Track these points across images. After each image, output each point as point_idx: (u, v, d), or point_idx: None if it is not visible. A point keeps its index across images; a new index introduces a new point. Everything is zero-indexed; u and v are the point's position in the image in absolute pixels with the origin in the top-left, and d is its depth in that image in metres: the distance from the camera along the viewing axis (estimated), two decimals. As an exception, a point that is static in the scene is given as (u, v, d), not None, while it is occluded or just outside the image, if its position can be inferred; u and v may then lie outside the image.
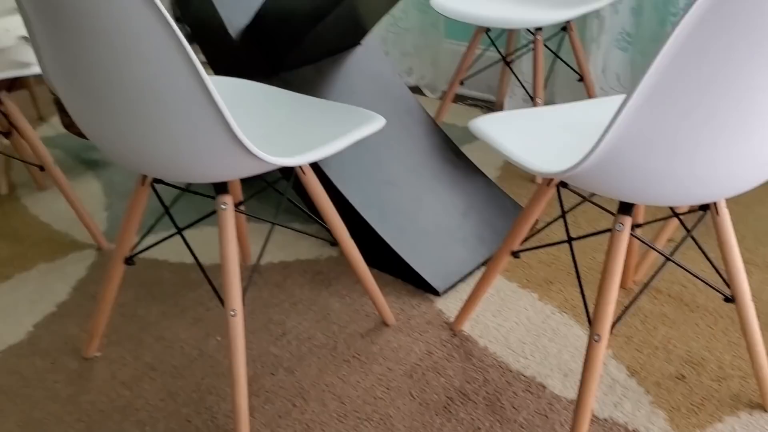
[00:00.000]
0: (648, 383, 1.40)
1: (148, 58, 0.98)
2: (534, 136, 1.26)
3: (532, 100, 2.12)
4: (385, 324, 1.57)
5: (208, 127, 1.05)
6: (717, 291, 1.26)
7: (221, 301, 1.24)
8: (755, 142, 0.99)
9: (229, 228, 1.22)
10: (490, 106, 2.72)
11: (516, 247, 1.39)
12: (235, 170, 1.15)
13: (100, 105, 1.09)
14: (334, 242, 1.43)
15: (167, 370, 1.46)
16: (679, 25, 0.86)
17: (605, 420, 1.32)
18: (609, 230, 1.19)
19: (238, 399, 1.24)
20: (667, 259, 1.25)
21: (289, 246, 1.84)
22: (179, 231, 1.34)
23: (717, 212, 1.22)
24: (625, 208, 1.15)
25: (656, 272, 1.24)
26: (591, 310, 1.61)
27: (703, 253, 1.28)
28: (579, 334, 1.54)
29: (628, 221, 1.15)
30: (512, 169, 2.25)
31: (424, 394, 1.38)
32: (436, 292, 1.66)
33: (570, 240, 1.27)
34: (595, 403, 1.36)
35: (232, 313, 1.23)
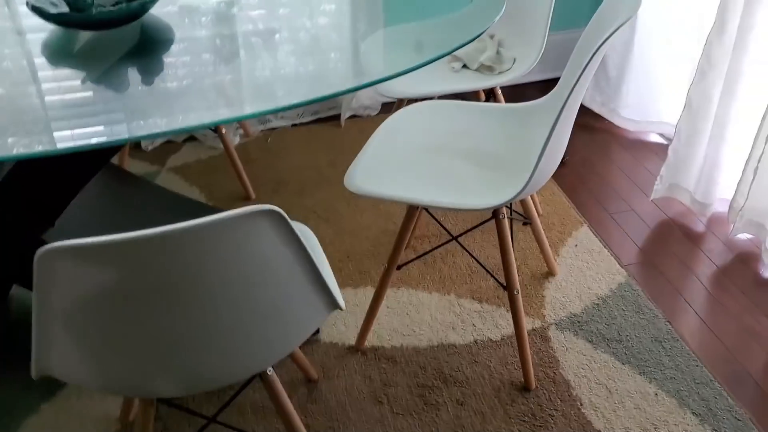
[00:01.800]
0: (489, 296, 1.97)
1: (279, 279, 1.02)
2: (416, 176, 1.59)
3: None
4: (313, 381, 1.76)
5: (310, 298, 1.12)
6: (521, 222, 1.86)
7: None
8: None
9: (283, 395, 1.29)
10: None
11: (399, 262, 1.74)
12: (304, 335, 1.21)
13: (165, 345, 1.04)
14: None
15: None
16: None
17: (499, 339, 1.85)
18: (487, 221, 1.65)
19: None
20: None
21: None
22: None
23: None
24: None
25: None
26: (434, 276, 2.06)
27: (513, 209, 1.85)
28: (423, 296, 1.99)
29: (506, 211, 1.63)
30: (214, 190, 2.41)
31: (403, 408, 1.69)
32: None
33: (456, 237, 1.68)
34: (469, 336, 1.87)
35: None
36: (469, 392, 1.72)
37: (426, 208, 1.71)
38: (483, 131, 1.79)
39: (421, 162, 1.68)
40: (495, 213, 1.62)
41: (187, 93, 1.39)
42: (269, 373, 1.27)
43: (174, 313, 0.97)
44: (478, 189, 1.60)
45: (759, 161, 1.95)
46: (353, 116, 2.87)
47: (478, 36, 1.52)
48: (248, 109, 1.38)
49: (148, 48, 1.51)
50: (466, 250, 1.71)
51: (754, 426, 1.64)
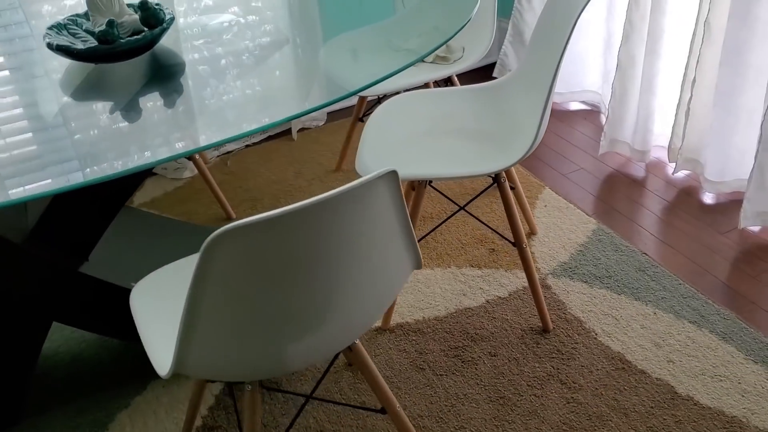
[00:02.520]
0: (485, 262, 2.16)
1: (385, 236, 1.15)
2: (418, 156, 1.75)
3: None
4: (353, 364, 1.87)
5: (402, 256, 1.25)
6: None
7: None
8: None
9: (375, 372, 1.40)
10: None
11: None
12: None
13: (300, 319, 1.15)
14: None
15: None
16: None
17: (507, 296, 2.04)
18: (488, 188, 1.83)
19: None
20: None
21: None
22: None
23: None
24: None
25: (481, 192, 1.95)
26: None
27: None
28: (427, 272, 2.15)
29: (505, 176, 1.81)
30: (192, 217, 2.47)
31: (444, 369, 1.84)
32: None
33: (463, 207, 1.85)
34: (480, 298, 2.05)
35: None
36: (497, 344, 1.90)
37: (431, 184, 1.86)
38: (463, 112, 1.97)
39: (417, 145, 1.84)
40: (496, 178, 1.80)
41: (210, 110, 1.48)
42: (357, 343, 1.38)
43: (310, 284, 1.08)
44: (475, 160, 1.78)
45: (689, 104, 2.25)
46: (302, 129, 3.00)
47: (461, 29, 1.70)
48: (235, 130, 1.41)
49: (164, 75, 1.59)
50: (475, 217, 1.89)
51: (741, 321, 1.91)
